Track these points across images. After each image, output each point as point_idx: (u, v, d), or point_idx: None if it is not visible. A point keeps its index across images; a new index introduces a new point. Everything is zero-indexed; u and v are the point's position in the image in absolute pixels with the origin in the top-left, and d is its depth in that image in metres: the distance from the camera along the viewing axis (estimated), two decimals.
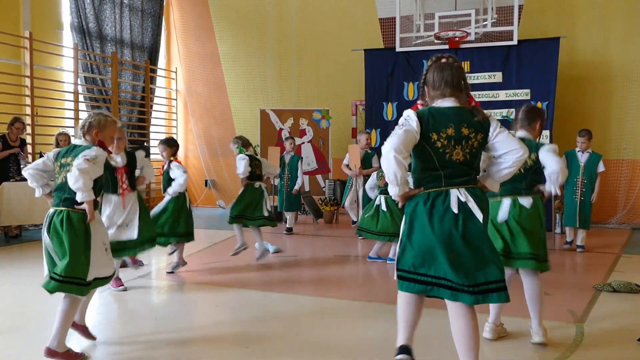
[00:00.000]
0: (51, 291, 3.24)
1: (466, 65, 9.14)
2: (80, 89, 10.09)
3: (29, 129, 8.81)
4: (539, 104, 8.73)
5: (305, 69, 11.64)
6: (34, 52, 9.12)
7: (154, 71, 12.20)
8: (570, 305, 4.47)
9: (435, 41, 9.25)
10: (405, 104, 9.51)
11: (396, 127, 2.70)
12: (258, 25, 11.91)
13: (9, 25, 8.93)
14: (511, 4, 8.85)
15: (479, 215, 2.64)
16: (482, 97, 9.10)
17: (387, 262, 6.16)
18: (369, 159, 8.07)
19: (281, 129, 10.89)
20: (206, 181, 12.43)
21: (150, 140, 11.90)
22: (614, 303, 4.60)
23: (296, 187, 8.62)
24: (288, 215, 8.74)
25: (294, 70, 11.75)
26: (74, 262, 3.22)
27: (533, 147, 3.59)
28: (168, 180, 5.51)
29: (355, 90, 10.76)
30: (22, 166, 8.48)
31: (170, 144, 5.62)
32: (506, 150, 2.71)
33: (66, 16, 10.20)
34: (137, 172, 4.91)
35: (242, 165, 6.08)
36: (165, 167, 5.56)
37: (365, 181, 7.94)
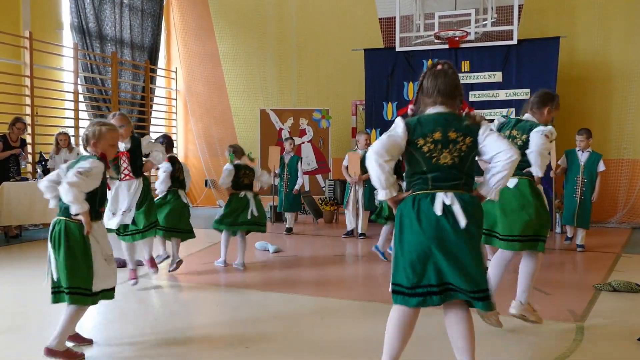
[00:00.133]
0: (54, 302, 3.34)
1: (466, 65, 9.15)
2: (80, 88, 10.09)
3: (29, 129, 8.81)
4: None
5: (305, 69, 11.64)
6: (34, 52, 9.12)
7: (154, 71, 12.20)
8: (570, 305, 4.46)
9: (435, 41, 9.25)
10: (405, 103, 9.43)
11: (384, 133, 2.79)
12: (258, 25, 11.91)
13: (9, 25, 8.93)
14: (511, 4, 8.85)
15: (462, 221, 2.60)
16: (482, 97, 9.10)
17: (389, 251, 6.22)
18: None
19: (281, 129, 10.89)
20: (206, 181, 12.43)
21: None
22: (614, 302, 4.60)
23: (296, 187, 8.62)
24: (288, 216, 8.74)
25: (294, 70, 11.75)
26: (73, 273, 3.26)
27: (527, 128, 3.65)
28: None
29: (355, 90, 10.76)
30: (22, 166, 8.50)
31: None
32: (495, 152, 2.64)
33: (66, 16, 10.20)
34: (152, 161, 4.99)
35: (223, 175, 6.09)
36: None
37: (365, 184, 7.94)
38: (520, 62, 8.95)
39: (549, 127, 3.67)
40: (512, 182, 3.69)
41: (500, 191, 2.81)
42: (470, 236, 2.63)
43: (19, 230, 8.06)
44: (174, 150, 8.05)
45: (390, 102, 9.71)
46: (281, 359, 3.42)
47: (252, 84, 12.09)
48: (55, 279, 3.34)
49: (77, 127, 9.95)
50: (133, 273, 5.07)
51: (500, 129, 3.88)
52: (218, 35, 12.34)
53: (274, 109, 11.12)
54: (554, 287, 4.94)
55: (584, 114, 9.32)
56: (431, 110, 2.75)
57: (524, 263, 3.80)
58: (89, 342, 3.62)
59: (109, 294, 3.47)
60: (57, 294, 3.35)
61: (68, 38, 10.19)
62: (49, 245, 3.35)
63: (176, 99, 13.01)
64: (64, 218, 3.30)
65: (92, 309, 4.23)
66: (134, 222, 4.86)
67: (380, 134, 9.54)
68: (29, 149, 8.77)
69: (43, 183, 3.44)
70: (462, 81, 2.91)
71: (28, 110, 9.04)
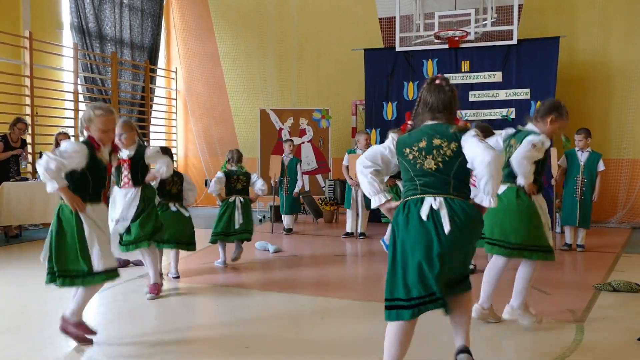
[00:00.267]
0: (47, 283, 3.51)
1: (466, 65, 9.15)
2: (80, 88, 10.09)
3: (29, 129, 8.81)
4: (538, 104, 8.74)
5: (305, 69, 11.63)
6: (34, 52, 9.12)
7: (153, 71, 12.20)
8: (570, 305, 4.46)
9: (435, 41, 9.25)
10: (405, 103, 9.51)
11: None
12: (258, 24, 11.90)
13: (9, 25, 8.93)
14: (511, 4, 8.85)
15: (446, 227, 2.63)
16: (482, 97, 9.10)
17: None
18: None
19: (281, 129, 10.89)
20: (206, 181, 12.41)
21: (150, 140, 11.90)
22: (614, 302, 4.59)
23: (296, 190, 8.61)
24: (287, 218, 8.73)
25: (294, 70, 11.75)
26: (60, 254, 3.42)
27: (522, 137, 3.68)
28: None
29: (355, 89, 10.76)
30: (23, 167, 8.50)
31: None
32: (472, 158, 2.65)
33: (66, 16, 10.20)
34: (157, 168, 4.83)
35: (211, 183, 6.18)
36: None
37: None
38: (520, 62, 8.94)
39: (539, 137, 3.64)
40: (501, 189, 3.72)
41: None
42: (456, 242, 2.65)
43: (19, 230, 8.06)
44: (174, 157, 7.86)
45: (390, 102, 9.70)
46: (281, 359, 3.42)
47: (252, 84, 12.08)
48: (45, 260, 3.50)
49: (77, 127, 9.94)
50: (153, 287, 4.80)
51: (505, 139, 3.90)
52: (218, 35, 12.33)
53: (274, 108, 11.11)
54: (554, 287, 4.94)
55: (584, 114, 9.31)
56: (426, 123, 2.82)
57: (520, 267, 3.82)
58: (93, 333, 3.62)
59: (112, 274, 3.53)
60: (50, 274, 3.51)
61: (68, 38, 10.19)
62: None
63: (176, 99, 13.00)
64: (60, 201, 3.45)
65: (92, 309, 4.25)
66: (129, 231, 4.69)
67: (380, 134, 9.62)
68: (29, 148, 8.77)
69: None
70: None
71: (28, 110, 9.04)
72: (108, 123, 3.48)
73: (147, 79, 11.79)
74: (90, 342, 3.61)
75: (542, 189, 3.85)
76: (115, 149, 3.71)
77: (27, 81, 9.06)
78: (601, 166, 7.02)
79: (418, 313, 2.69)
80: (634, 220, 9.43)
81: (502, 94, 9.05)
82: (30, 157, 8.78)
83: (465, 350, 2.86)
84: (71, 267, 3.43)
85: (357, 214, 8.08)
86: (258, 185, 6.26)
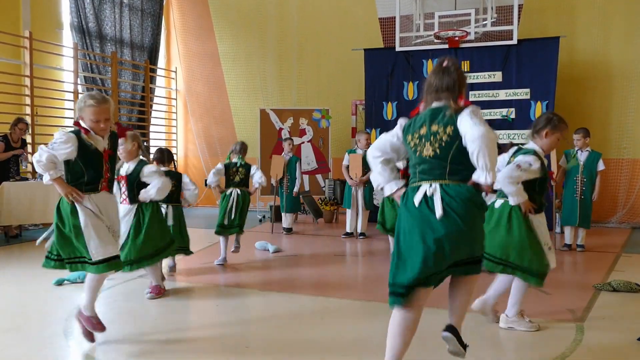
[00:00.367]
0: (44, 266, 3.61)
1: (466, 65, 9.14)
2: (80, 88, 10.09)
3: (29, 129, 8.81)
4: (538, 104, 8.75)
5: (305, 69, 11.63)
6: (34, 52, 9.12)
7: (153, 71, 12.20)
8: (570, 305, 4.47)
9: (435, 41, 9.25)
10: (405, 103, 9.51)
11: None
12: (259, 24, 11.90)
13: (9, 25, 8.94)
14: (511, 4, 8.85)
15: (438, 211, 2.64)
16: (482, 97, 9.10)
17: None
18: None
19: (281, 129, 10.88)
20: (206, 181, 12.37)
21: (150, 140, 11.90)
22: (614, 302, 4.60)
23: (295, 188, 8.61)
24: (287, 216, 8.72)
25: (294, 70, 11.75)
26: (60, 243, 3.47)
27: (518, 155, 3.68)
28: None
29: (355, 89, 10.76)
30: (23, 167, 8.50)
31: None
32: (464, 135, 2.62)
33: (66, 16, 10.20)
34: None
35: (209, 174, 6.35)
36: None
37: (365, 184, 7.94)
38: (520, 62, 8.94)
39: (528, 157, 3.60)
40: (497, 204, 3.78)
41: (490, 208, 2.87)
42: (453, 226, 2.64)
43: (19, 230, 8.06)
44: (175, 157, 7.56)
45: (390, 102, 9.70)
46: (281, 359, 3.42)
47: (252, 84, 12.09)
48: (47, 247, 3.59)
49: None
50: (154, 288, 4.81)
51: (510, 156, 3.90)
52: (218, 35, 12.33)
53: (273, 108, 11.11)
54: (554, 287, 4.94)
55: (584, 113, 9.31)
56: (433, 105, 2.81)
57: (515, 279, 3.79)
58: (102, 329, 3.61)
59: (114, 264, 3.50)
60: (47, 259, 3.59)
61: (68, 38, 10.19)
62: None
63: (176, 99, 13.01)
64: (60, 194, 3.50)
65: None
66: (122, 248, 4.47)
67: (380, 134, 9.60)
68: (29, 148, 8.77)
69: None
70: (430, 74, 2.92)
71: (28, 110, 9.04)
72: (99, 113, 3.39)
73: (147, 79, 11.79)
74: (92, 338, 3.59)
75: (542, 208, 3.78)
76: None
77: (27, 81, 9.06)
78: (601, 165, 7.02)
79: (413, 299, 2.70)
80: (634, 220, 9.43)
81: (502, 94, 9.05)
82: (30, 157, 8.78)
83: (449, 329, 2.86)
84: (76, 253, 3.48)
85: (357, 214, 8.08)
86: (256, 177, 6.31)
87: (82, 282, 4.01)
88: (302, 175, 8.97)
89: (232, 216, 6.17)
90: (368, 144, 8.19)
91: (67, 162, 3.43)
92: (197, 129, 12.66)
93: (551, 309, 4.32)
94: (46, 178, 3.42)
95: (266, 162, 8.52)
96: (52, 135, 8.95)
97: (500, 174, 3.55)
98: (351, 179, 7.94)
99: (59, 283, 5.14)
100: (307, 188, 10.49)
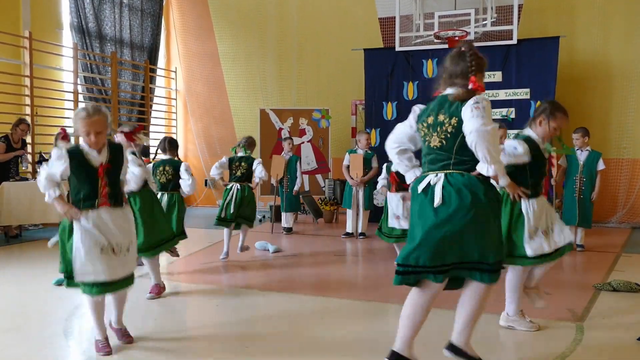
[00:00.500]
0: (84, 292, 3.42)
1: None
2: (80, 88, 10.09)
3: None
4: (538, 104, 8.73)
5: (305, 69, 11.63)
6: (34, 52, 9.12)
7: (153, 71, 12.20)
8: (570, 305, 4.47)
9: (435, 40, 9.24)
10: (405, 103, 9.51)
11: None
12: (258, 24, 11.90)
13: (9, 25, 8.93)
14: (511, 3, 8.84)
15: (436, 200, 2.66)
16: None
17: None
18: (369, 159, 8.05)
19: (281, 129, 10.89)
20: (206, 181, 12.42)
21: (150, 140, 11.89)
22: (614, 302, 4.60)
23: (295, 188, 8.61)
24: (287, 216, 8.72)
25: (294, 70, 11.75)
26: (62, 259, 3.39)
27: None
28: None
29: (355, 89, 10.76)
30: (24, 168, 8.51)
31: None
32: (464, 127, 2.64)
33: (66, 16, 10.19)
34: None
35: (213, 168, 6.48)
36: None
37: (365, 184, 7.94)
38: (520, 62, 8.94)
39: (512, 141, 3.58)
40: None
41: None
42: (454, 216, 2.64)
43: (19, 230, 8.06)
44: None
45: (390, 102, 9.70)
46: (281, 358, 3.42)
47: (251, 84, 12.08)
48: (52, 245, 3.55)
49: None
50: (154, 288, 4.83)
51: None
52: (218, 35, 12.33)
53: (273, 108, 11.11)
54: (554, 287, 4.94)
55: (584, 113, 9.31)
56: (443, 93, 2.81)
57: (507, 274, 3.78)
58: (129, 340, 3.63)
59: (97, 289, 3.34)
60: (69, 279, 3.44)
61: (68, 38, 10.18)
62: None
63: (176, 99, 13.01)
64: None
65: None
66: None
67: (380, 134, 9.62)
68: (29, 148, 8.77)
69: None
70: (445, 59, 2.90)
71: (28, 110, 9.03)
72: (89, 125, 3.28)
73: (147, 79, 11.79)
74: (108, 350, 3.48)
75: (538, 192, 3.70)
76: (129, 138, 3.66)
77: (27, 81, 9.06)
78: (601, 165, 7.01)
79: (413, 281, 2.73)
80: (634, 220, 9.43)
81: (502, 94, 9.05)
82: (30, 157, 8.78)
83: (451, 347, 2.88)
84: (68, 269, 3.37)
85: (357, 214, 8.08)
86: (257, 172, 6.44)
87: None
88: (302, 174, 8.96)
89: (231, 210, 6.28)
90: (368, 144, 8.20)
91: (68, 178, 3.38)
92: (196, 129, 12.66)
93: (551, 308, 4.31)
94: (46, 198, 3.35)
95: (266, 162, 8.49)
96: (52, 135, 8.94)
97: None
98: (352, 178, 7.94)
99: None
100: (307, 188, 10.49)
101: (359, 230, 8.07)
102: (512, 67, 8.98)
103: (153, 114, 12.23)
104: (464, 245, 2.68)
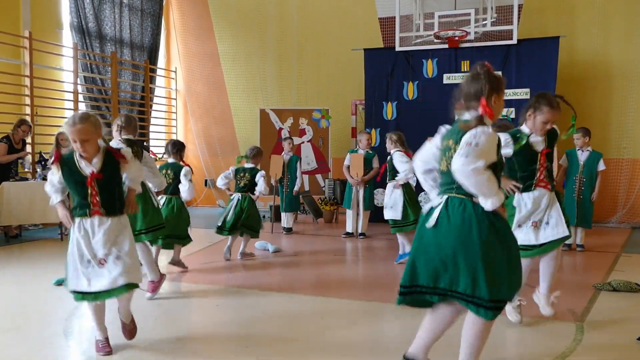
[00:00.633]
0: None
1: (466, 65, 9.15)
2: (80, 88, 10.09)
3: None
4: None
5: (305, 69, 11.63)
6: (34, 52, 9.12)
7: (153, 71, 12.20)
8: (570, 305, 4.47)
9: (435, 40, 9.25)
10: (405, 103, 9.51)
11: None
12: (258, 24, 11.90)
13: (9, 25, 8.93)
14: (511, 3, 8.85)
15: (430, 222, 2.70)
16: None
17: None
18: (370, 159, 8.04)
19: (281, 129, 10.89)
20: (206, 181, 12.43)
21: (150, 140, 11.90)
22: (614, 302, 4.60)
23: (295, 188, 8.60)
24: (287, 216, 8.72)
25: (294, 70, 11.75)
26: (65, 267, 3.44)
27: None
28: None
29: (355, 89, 10.75)
30: (25, 169, 8.51)
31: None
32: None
33: (66, 16, 10.19)
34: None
35: (218, 179, 6.60)
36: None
37: (365, 184, 7.93)
38: (519, 62, 8.94)
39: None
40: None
41: None
42: (445, 238, 2.65)
43: (19, 230, 8.06)
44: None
45: (390, 102, 9.70)
46: (281, 358, 3.42)
47: (251, 84, 12.08)
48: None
49: None
50: (151, 285, 4.80)
51: None
52: (218, 35, 12.33)
53: (273, 108, 11.12)
54: (553, 287, 4.94)
55: (584, 113, 9.29)
56: (461, 117, 2.77)
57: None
58: (106, 351, 3.54)
59: (82, 297, 3.36)
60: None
61: (68, 38, 10.18)
62: None
63: (176, 99, 13.00)
64: None
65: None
66: None
67: (380, 134, 9.61)
68: (29, 148, 8.77)
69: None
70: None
71: (28, 110, 9.03)
72: (73, 133, 3.21)
73: (147, 79, 11.79)
74: (108, 350, 3.49)
75: (528, 187, 3.74)
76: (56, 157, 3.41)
77: (27, 81, 9.06)
78: (602, 166, 7.00)
79: (408, 301, 2.77)
80: (634, 220, 9.43)
81: None
82: (30, 157, 8.78)
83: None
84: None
85: (357, 214, 8.08)
86: (258, 187, 6.51)
87: None
88: (302, 174, 8.96)
89: (228, 218, 6.38)
90: (369, 144, 8.20)
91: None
92: (196, 129, 12.65)
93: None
94: (50, 202, 3.50)
95: (266, 162, 8.51)
96: (52, 135, 8.94)
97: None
98: (352, 178, 7.94)
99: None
100: (307, 188, 10.49)
101: (359, 230, 8.07)
102: (512, 67, 8.99)
103: (153, 114, 12.23)
104: (453, 273, 2.65)
